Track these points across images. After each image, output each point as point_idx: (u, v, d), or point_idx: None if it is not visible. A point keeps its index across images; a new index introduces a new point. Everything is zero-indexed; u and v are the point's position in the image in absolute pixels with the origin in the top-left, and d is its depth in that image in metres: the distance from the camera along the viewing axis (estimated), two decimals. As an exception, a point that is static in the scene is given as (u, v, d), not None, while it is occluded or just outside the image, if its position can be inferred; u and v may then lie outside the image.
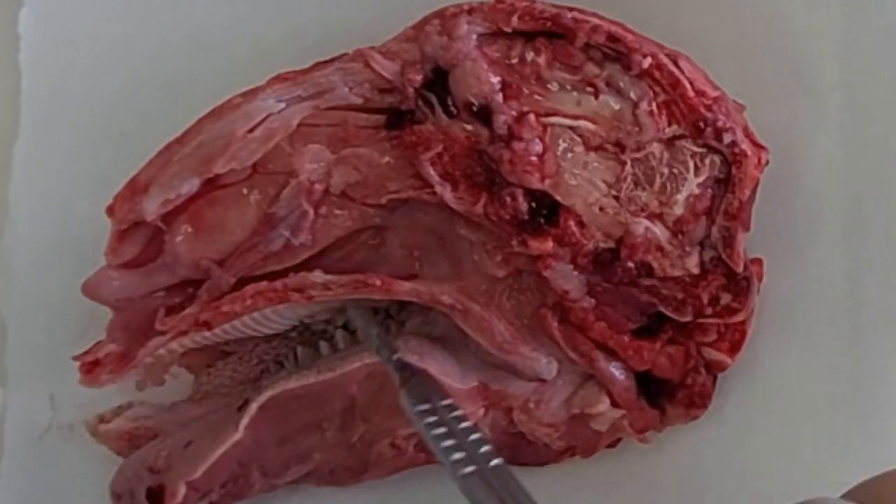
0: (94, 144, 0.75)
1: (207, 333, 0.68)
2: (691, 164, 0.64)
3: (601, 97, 0.64)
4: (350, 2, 0.73)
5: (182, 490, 0.66)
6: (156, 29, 0.75)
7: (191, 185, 0.67)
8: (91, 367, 0.68)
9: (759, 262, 0.67)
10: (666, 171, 0.64)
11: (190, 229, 0.68)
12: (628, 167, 0.64)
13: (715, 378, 0.68)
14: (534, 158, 0.64)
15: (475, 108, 0.65)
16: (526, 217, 0.65)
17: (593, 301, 0.67)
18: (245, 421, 0.66)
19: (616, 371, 0.67)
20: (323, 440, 0.69)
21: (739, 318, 0.66)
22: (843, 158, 0.68)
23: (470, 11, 0.64)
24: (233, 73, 0.69)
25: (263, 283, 0.67)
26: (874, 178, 0.68)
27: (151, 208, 0.67)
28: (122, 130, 0.74)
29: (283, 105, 0.67)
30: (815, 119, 0.69)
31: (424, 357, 0.67)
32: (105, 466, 0.72)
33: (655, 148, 0.64)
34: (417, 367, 0.65)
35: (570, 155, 0.65)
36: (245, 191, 0.68)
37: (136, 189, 0.68)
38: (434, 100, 0.65)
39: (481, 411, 0.69)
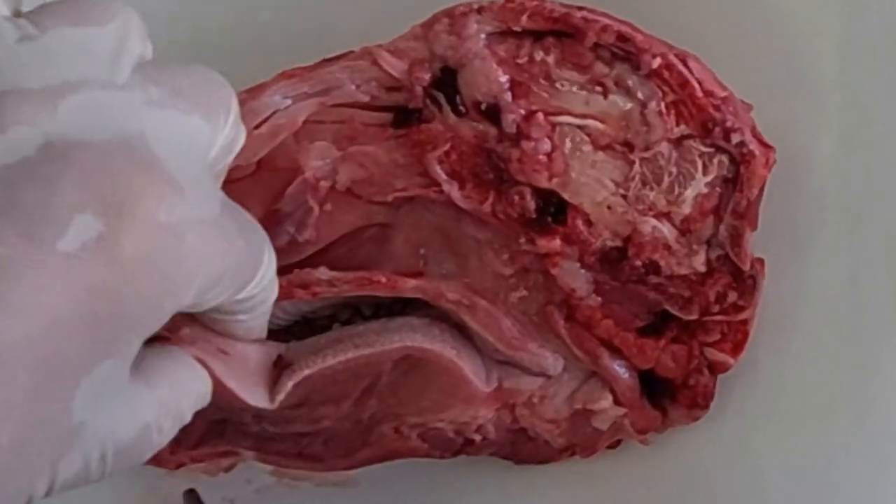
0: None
1: (210, 328, 0.68)
2: (699, 164, 0.64)
3: (610, 97, 0.64)
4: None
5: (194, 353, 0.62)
6: (157, 27, 0.74)
7: (195, 182, 0.67)
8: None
9: (760, 262, 0.67)
10: (674, 170, 0.65)
11: (193, 225, 0.68)
12: (636, 166, 0.65)
13: (716, 378, 0.68)
14: (542, 157, 0.64)
15: (484, 107, 0.65)
16: (534, 215, 0.65)
17: (600, 299, 0.67)
18: (281, 397, 0.65)
19: (620, 369, 0.68)
20: (337, 411, 0.69)
21: (745, 315, 0.66)
22: (843, 158, 0.68)
23: (479, 10, 0.64)
24: (237, 72, 0.68)
25: (268, 280, 0.67)
26: (874, 178, 0.68)
27: (155, 205, 0.67)
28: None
29: (289, 102, 0.67)
30: (816, 119, 0.69)
31: (461, 353, 0.67)
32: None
33: (664, 147, 0.64)
34: None
35: (578, 154, 0.65)
36: (250, 187, 0.68)
37: (139, 185, 0.68)
38: (442, 98, 0.65)
39: (491, 413, 0.69)
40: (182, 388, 0.57)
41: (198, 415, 0.66)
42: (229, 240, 0.53)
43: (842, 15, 0.69)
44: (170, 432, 0.55)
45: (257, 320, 0.62)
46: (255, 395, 0.64)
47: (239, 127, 0.56)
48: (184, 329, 0.60)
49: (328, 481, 0.73)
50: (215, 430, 0.69)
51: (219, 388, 0.61)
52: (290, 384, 0.65)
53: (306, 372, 0.66)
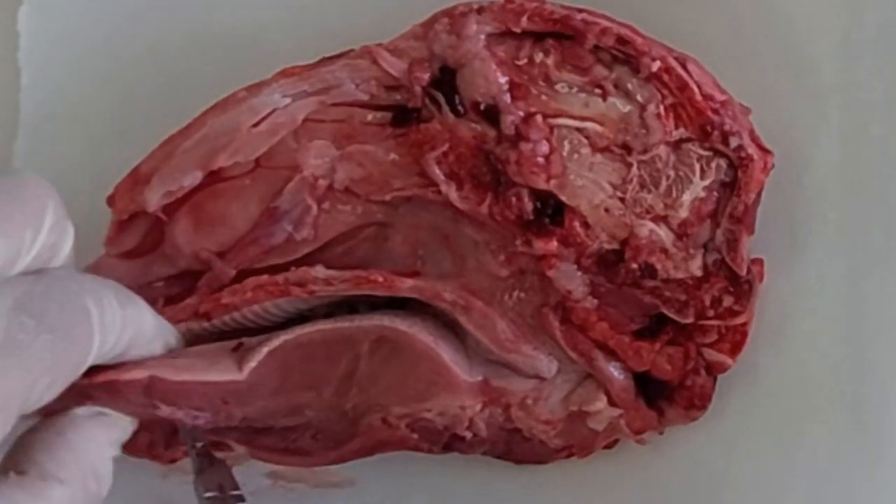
0: (94, 142, 0.75)
1: (206, 325, 0.68)
2: (697, 168, 0.64)
3: (609, 99, 0.64)
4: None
5: (143, 375, 0.62)
6: (156, 26, 0.74)
7: (193, 178, 0.67)
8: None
9: (759, 262, 0.67)
10: (672, 173, 0.64)
11: (191, 221, 0.69)
12: (634, 169, 0.65)
13: (715, 379, 0.68)
14: (540, 159, 0.64)
15: (483, 108, 0.65)
16: (531, 217, 0.65)
17: (596, 301, 0.67)
18: (252, 364, 0.65)
19: (615, 371, 0.68)
20: (318, 399, 0.69)
21: (740, 320, 0.66)
22: (843, 159, 0.68)
23: (479, 11, 0.64)
24: (235, 71, 0.68)
25: (264, 277, 0.67)
26: (874, 178, 0.68)
27: (153, 199, 0.68)
28: (122, 128, 0.74)
29: (288, 100, 0.67)
30: (816, 119, 0.68)
31: (438, 341, 0.67)
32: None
33: (662, 151, 0.64)
34: (217, 459, 0.65)
35: (576, 156, 0.65)
36: (248, 184, 0.68)
37: (137, 179, 0.68)
38: (441, 98, 0.65)
39: (479, 406, 0.69)
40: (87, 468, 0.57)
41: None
42: (21, 349, 0.50)
43: (842, 16, 0.68)
44: None
45: (154, 344, 0.61)
46: (218, 370, 0.65)
47: (62, 227, 0.55)
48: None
49: (325, 483, 0.73)
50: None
51: (176, 386, 0.62)
52: (265, 350, 0.66)
53: (283, 338, 0.66)
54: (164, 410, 0.64)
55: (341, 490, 0.73)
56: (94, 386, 0.59)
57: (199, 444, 0.65)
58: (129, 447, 0.69)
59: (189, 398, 0.64)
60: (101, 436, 0.59)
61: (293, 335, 0.66)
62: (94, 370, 0.58)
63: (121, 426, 0.61)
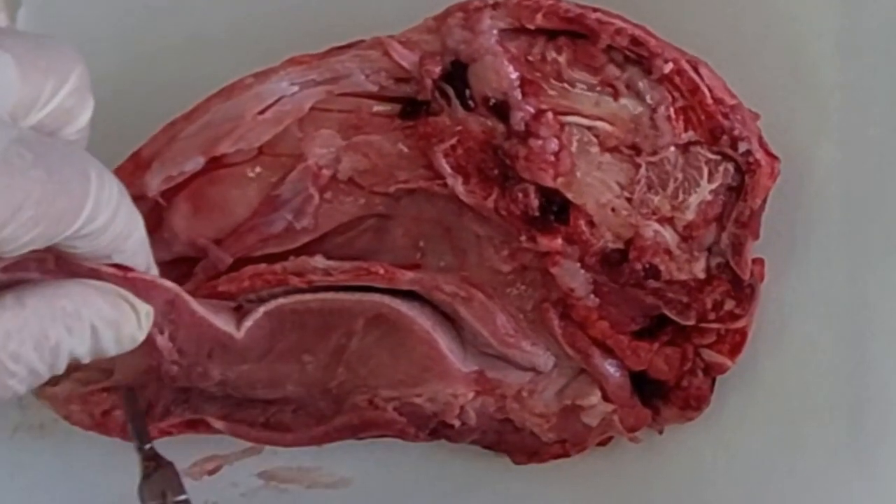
0: (93, 144, 0.73)
1: (202, 312, 0.68)
2: (705, 171, 0.65)
3: (620, 99, 0.64)
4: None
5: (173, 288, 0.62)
6: (157, 27, 0.73)
7: (195, 164, 0.67)
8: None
9: (760, 262, 0.67)
10: (680, 176, 0.65)
11: (190, 206, 0.68)
12: (642, 170, 0.65)
13: (713, 380, 0.68)
14: (549, 156, 0.64)
15: (493, 103, 0.65)
16: (536, 214, 0.65)
17: (597, 300, 0.67)
18: (249, 323, 0.66)
19: (611, 368, 0.68)
20: (302, 372, 0.68)
21: (741, 324, 0.66)
22: (843, 159, 0.68)
23: (494, 6, 0.64)
24: (235, 73, 0.68)
25: (262, 266, 0.67)
26: (874, 178, 0.68)
27: (153, 184, 0.67)
28: (123, 128, 0.73)
29: (296, 88, 0.66)
30: (816, 120, 0.69)
31: (436, 327, 0.67)
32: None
33: (671, 153, 0.64)
34: (165, 461, 0.64)
35: (585, 154, 0.65)
36: (250, 171, 0.68)
37: (138, 164, 0.68)
38: (451, 92, 0.65)
39: (471, 395, 0.69)
40: (53, 315, 0.54)
41: (161, 384, 0.67)
42: (12, 171, 0.49)
43: (842, 16, 0.68)
44: (32, 361, 0.53)
45: (136, 258, 0.58)
46: (221, 319, 0.65)
47: (81, 97, 0.54)
48: None
49: (318, 483, 0.73)
50: (180, 398, 0.69)
51: (188, 316, 0.63)
52: (261, 310, 0.66)
53: (281, 301, 0.66)
54: (162, 340, 0.64)
55: (335, 491, 0.72)
56: (128, 280, 0.57)
57: (146, 447, 0.64)
58: (104, 427, 0.70)
59: (189, 332, 0.64)
60: (94, 303, 0.56)
61: (290, 300, 0.66)
62: (122, 268, 0.57)
63: (125, 314, 0.57)
